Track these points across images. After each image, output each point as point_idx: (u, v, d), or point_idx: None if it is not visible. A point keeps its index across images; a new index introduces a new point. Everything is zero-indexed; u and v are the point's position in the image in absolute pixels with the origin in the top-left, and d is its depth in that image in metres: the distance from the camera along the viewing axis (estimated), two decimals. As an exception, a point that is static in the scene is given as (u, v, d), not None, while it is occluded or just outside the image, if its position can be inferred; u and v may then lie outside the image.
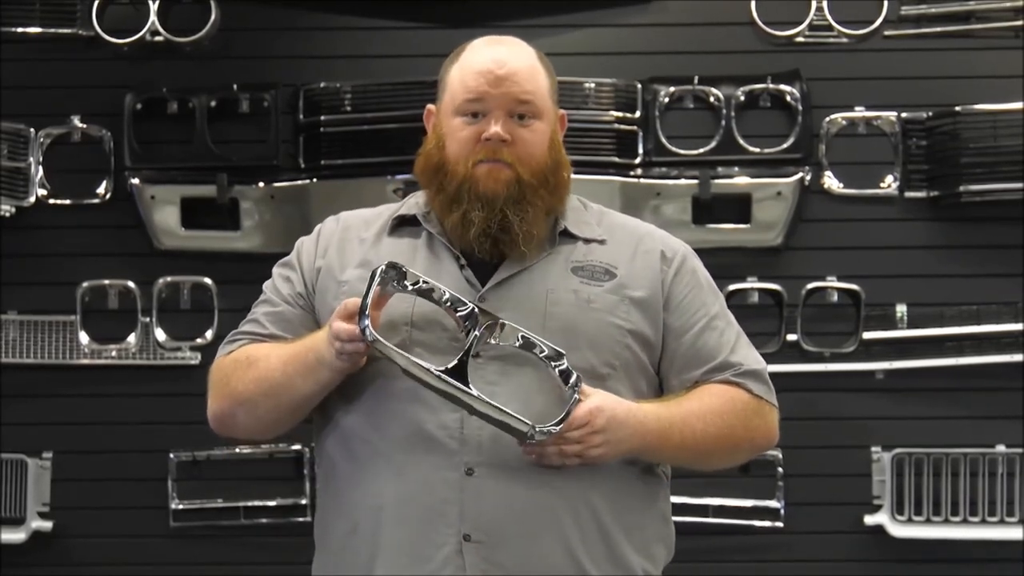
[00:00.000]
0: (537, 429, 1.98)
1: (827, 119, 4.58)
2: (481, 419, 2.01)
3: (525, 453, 2.03)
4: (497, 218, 2.12)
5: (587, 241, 2.20)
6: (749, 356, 2.21)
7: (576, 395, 2.01)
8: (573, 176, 2.24)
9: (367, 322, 1.99)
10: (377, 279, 2.02)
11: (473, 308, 2.05)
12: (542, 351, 2.05)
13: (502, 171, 2.14)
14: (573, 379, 2.02)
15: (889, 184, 4.58)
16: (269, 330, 2.20)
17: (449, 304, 2.05)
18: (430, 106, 2.25)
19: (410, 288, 2.05)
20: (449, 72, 2.20)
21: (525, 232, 2.13)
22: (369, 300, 2.00)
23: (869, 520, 4.50)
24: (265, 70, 4.66)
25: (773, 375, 2.23)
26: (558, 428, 1.99)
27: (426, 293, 2.06)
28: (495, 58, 2.16)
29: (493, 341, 2.05)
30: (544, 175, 2.16)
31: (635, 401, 2.11)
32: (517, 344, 2.05)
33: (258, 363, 2.15)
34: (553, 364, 2.04)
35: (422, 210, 2.22)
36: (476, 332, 2.03)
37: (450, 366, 2.00)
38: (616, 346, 2.13)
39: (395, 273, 2.04)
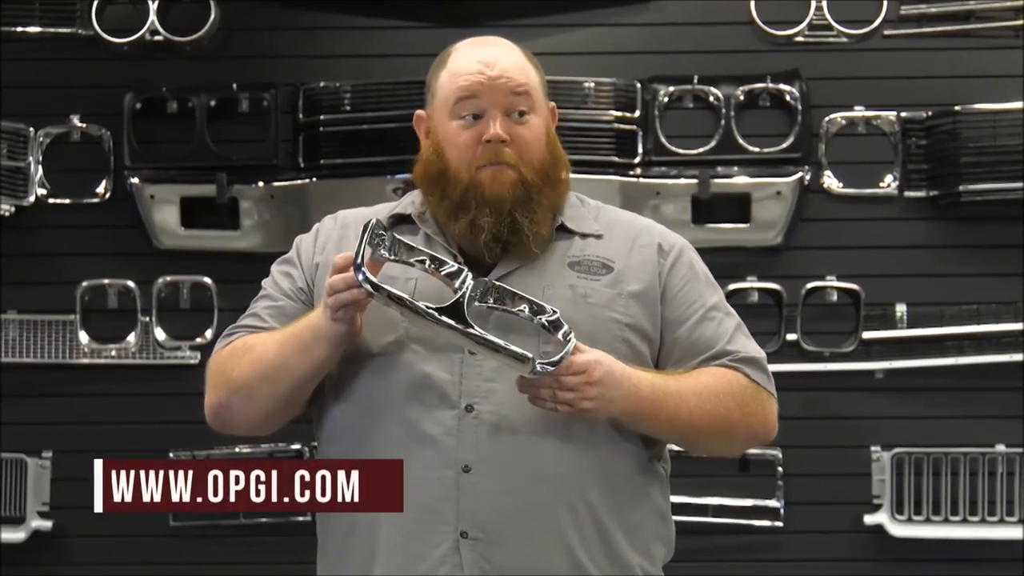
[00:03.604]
0: (538, 362, 1.97)
1: (827, 119, 4.58)
2: (483, 354, 2.00)
3: (520, 389, 2.02)
4: (507, 222, 2.12)
5: (584, 236, 2.20)
6: (748, 345, 2.20)
7: (572, 339, 2.01)
8: (572, 176, 2.24)
9: (364, 269, 1.99)
10: (369, 233, 2.02)
11: (457, 266, 2.05)
12: (531, 307, 2.05)
13: (505, 173, 2.14)
14: (565, 328, 2.03)
15: (889, 184, 4.58)
16: (269, 324, 2.20)
17: (434, 266, 2.06)
18: (419, 112, 2.24)
19: (396, 254, 2.05)
20: (438, 77, 2.19)
21: (535, 233, 2.14)
22: (364, 250, 2.00)
23: (869, 520, 4.50)
24: (265, 70, 4.67)
25: (773, 375, 2.22)
26: (557, 365, 1.98)
27: (411, 260, 2.06)
28: (484, 59, 2.16)
29: (480, 303, 2.04)
30: (545, 171, 2.17)
31: (636, 368, 2.10)
32: (507, 304, 2.05)
33: (254, 349, 2.15)
34: (542, 318, 2.04)
35: (417, 210, 2.22)
36: (469, 282, 2.03)
37: (445, 306, 1.99)
38: (614, 340, 2.12)
39: (382, 236, 2.04)
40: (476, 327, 1.99)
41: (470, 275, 2.05)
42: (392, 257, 2.06)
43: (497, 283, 2.07)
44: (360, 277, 1.99)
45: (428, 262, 2.06)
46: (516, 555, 2.05)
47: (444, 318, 1.98)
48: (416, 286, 2.11)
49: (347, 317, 2.04)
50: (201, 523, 4.57)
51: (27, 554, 4.55)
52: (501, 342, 1.98)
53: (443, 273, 2.06)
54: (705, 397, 2.12)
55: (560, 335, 2.02)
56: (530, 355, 1.97)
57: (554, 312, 2.04)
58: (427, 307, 1.99)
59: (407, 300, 2.00)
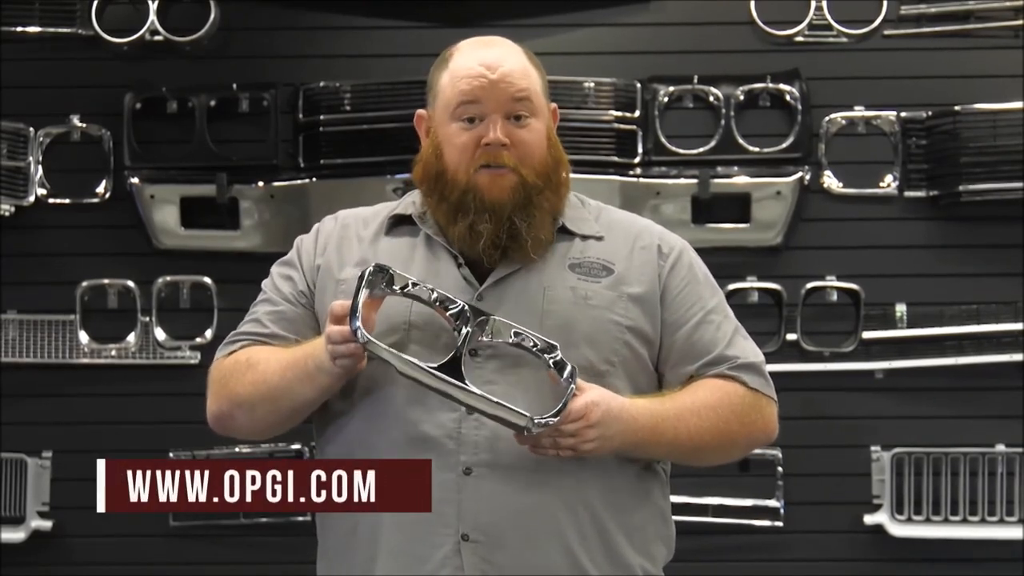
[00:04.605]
0: (535, 421, 1.97)
1: (827, 118, 4.58)
2: (478, 414, 2.00)
3: (519, 442, 2.02)
4: (506, 227, 2.11)
5: (584, 238, 2.20)
6: (746, 349, 2.19)
7: (572, 386, 2.00)
8: (572, 176, 2.24)
9: (358, 323, 1.98)
10: (365, 280, 2.01)
11: (463, 306, 2.04)
12: (535, 345, 2.04)
13: (505, 177, 2.13)
14: (568, 370, 2.01)
15: (889, 183, 4.58)
16: (271, 329, 2.19)
17: (439, 303, 2.04)
18: (420, 111, 2.24)
19: (399, 290, 2.04)
20: (440, 78, 2.18)
21: (534, 238, 2.13)
22: (360, 301, 1.99)
23: (869, 520, 4.50)
24: (265, 70, 4.67)
25: (773, 375, 2.22)
26: (555, 420, 1.98)
27: (416, 294, 2.05)
28: (487, 61, 2.15)
29: (485, 338, 2.04)
30: (546, 174, 2.16)
31: (633, 397, 2.10)
32: (510, 340, 2.04)
33: (257, 366, 2.14)
34: (547, 357, 2.03)
35: (418, 210, 2.21)
36: (468, 329, 2.02)
37: (443, 363, 1.99)
38: (615, 343, 2.12)
39: (383, 275, 2.03)
40: (472, 386, 1.97)
41: (472, 315, 2.03)
42: (394, 292, 2.04)
43: (499, 320, 2.05)
44: (354, 327, 1.98)
45: (434, 298, 2.04)
46: (517, 557, 2.05)
47: (440, 375, 1.97)
48: (412, 310, 2.10)
49: (349, 365, 2.04)
50: (201, 523, 4.57)
51: (27, 554, 4.55)
52: (499, 401, 1.97)
53: (448, 313, 2.04)
54: (703, 415, 2.12)
55: (564, 377, 2.01)
56: (527, 414, 1.96)
57: (558, 352, 2.02)
58: (425, 366, 1.98)
59: (402, 357, 1.99)
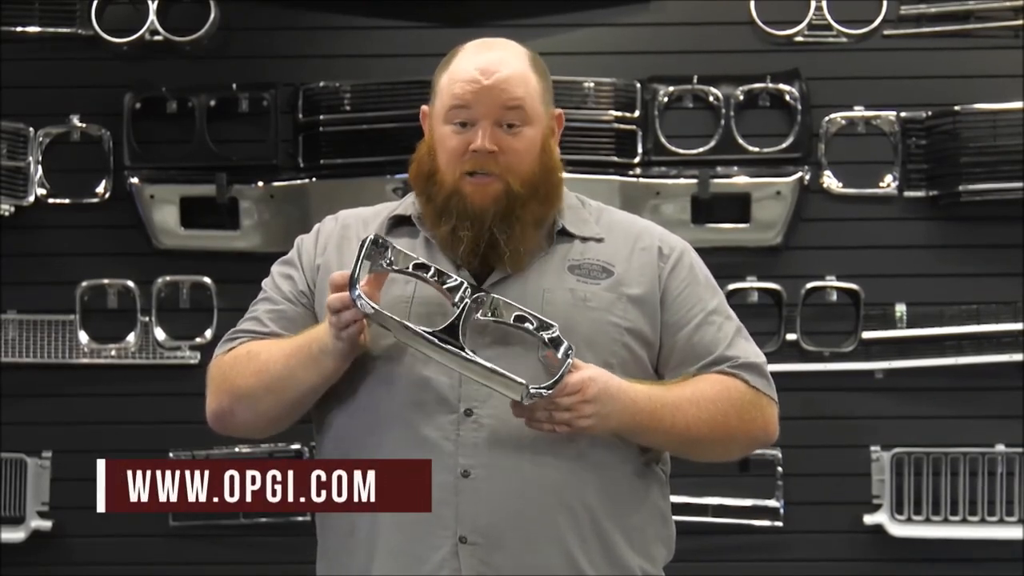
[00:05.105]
0: (530, 390, 1.96)
1: (826, 118, 4.58)
2: (474, 380, 2.00)
3: (515, 414, 2.01)
4: (486, 235, 2.11)
5: (584, 239, 2.19)
6: (748, 350, 2.19)
7: (569, 361, 2.00)
8: (572, 176, 2.24)
9: (358, 290, 1.98)
10: (364, 251, 2.01)
11: (461, 281, 2.04)
12: (531, 323, 2.04)
13: (490, 185, 2.12)
14: (565, 346, 2.01)
15: (888, 183, 4.58)
16: (270, 328, 2.19)
17: (436, 278, 2.05)
18: (425, 107, 2.23)
19: (397, 266, 2.05)
20: (441, 78, 2.18)
21: (513, 250, 2.12)
22: (359, 269, 1.99)
23: (868, 520, 4.50)
24: (264, 70, 4.67)
25: (773, 375, 2.21)
26: (551, 390, 1.97)
27: (415, 272, 2.06)
28: (483, 66, 2.13)
29: (482, 316, 2.04)
30: (534, 185, 2.14)
31: (632, 381, 2.09)
32: (507, 319, 2.04)
33: (259, 357, 2.14)
34: (543, 333, 2.03)
35: (417, 211, 2.21)
36: (467, 301, 2.02)
37: (441, 328, 1.99)
38: (614, 344, 2.12)
39: (381, 248, 2.04)
40: (470, 352, 1.98)
41: (470, 290, 2.04)
42: (394, 268, 2.05)
43: (498, 297, 2.05)
44: (354, 295, 1.98)
45: (431, 274, 2.05)
46: (515, 559, 2.05)
47: (438, 341, 1.98)
48: (415, 291, 2.10)
49: (351, 336, 2.04)
50: (201, 523, 4.57)
51: (27, 554, 4.55)
52: (495, 368, 1.97)
53: (445, 287, 2.05)
54: (702, 406, 2.11)
55: (560, 353, 2.01)
56: (523, 381, 1.96)
57: (555, 329, 2.02)
58: (422, 330, 1.98)
59: (401, 322, 1.99)
